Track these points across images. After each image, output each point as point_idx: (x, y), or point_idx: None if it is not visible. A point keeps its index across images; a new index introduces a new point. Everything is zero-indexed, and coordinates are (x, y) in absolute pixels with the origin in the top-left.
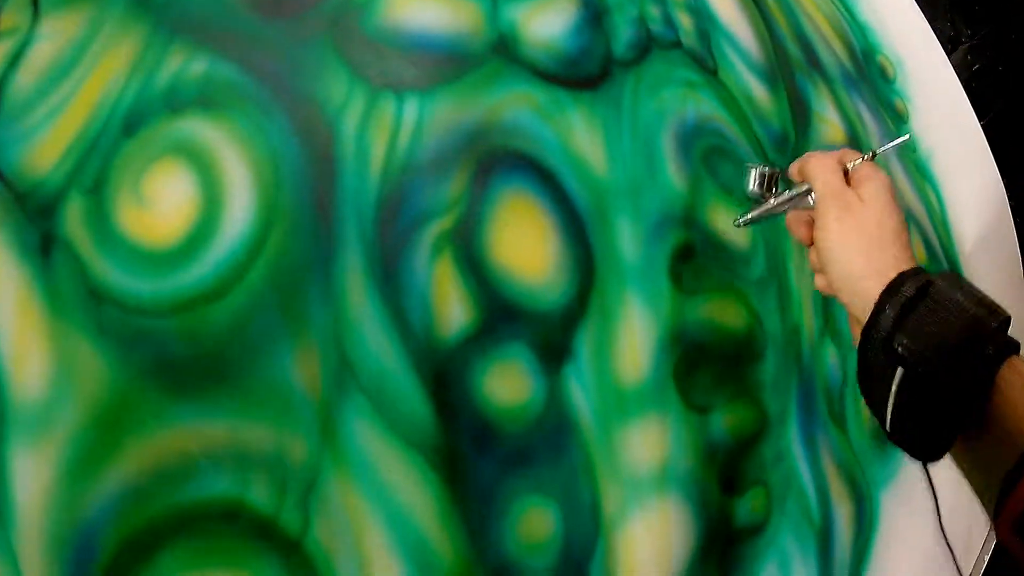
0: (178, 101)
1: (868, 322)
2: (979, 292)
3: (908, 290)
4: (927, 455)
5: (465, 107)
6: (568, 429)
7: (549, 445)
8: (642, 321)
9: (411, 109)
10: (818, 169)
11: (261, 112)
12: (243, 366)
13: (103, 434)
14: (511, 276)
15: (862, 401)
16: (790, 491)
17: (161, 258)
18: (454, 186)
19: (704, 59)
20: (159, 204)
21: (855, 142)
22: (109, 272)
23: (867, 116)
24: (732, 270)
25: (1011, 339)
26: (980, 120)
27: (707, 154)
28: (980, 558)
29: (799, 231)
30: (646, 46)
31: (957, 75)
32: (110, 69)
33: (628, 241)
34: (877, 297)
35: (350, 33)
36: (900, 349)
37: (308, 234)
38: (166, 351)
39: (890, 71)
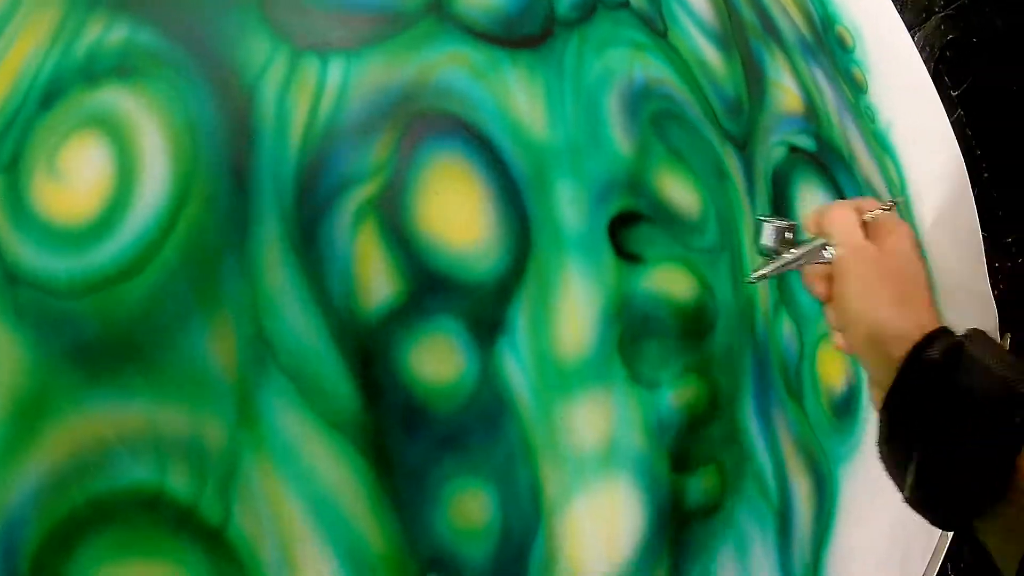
0: (96, 71)
1: (892, 387)
2: (1010, 355)
3: (934, 353)
4: (950, 525)
5: (394, 68)
6: (504, 407)
7: (483, 424)
8: (583, 292)
9: (336, 71)
10: (837, 222)
11: (180, 78)
12: (157, 347)
13: (22, 423)
14: (440, 245)
15: (819, 373)
16: (745, 469)
17: (75, 236)
18: (378, 151)
19: (654, 20)
20: (74, 180)
21: (812, 109)
22: (25, 253)
23: (824, 85)
24: (681, 239)
25: None
26: (954, 91)
27: (656, 118)
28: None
29: (817, 287)
30: (592, 5)
31: (930, 45)
32: (30, 41)
33: (568, 207)
34: (900, 361)
35: None
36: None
37: (224, 206)
38: (81, 334)
39: (849, 41)
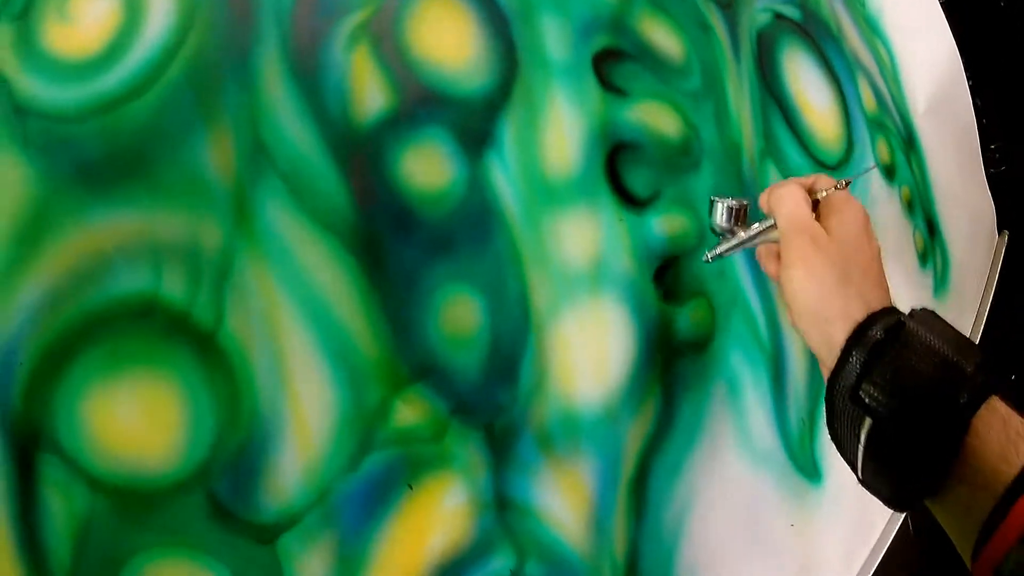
0: None
1: (833, 370)
2: (954, 332)
3: (876, 333)
4: (901, 505)
5: None
6: (492, 215)
7: (472, 231)
8: (568, 114)
9: None
10: (783, 200)
11: None
12: (159, 158)
13: (25, 243)
14: (430, 64)
15: None
16: (736, 309)
17: (83, 68)
18: None
19: None
20: (83, 20)
21: None
22: (34, 87)
23: None
24: (666, 79)
25: (989, 380)
26: None
27: None
28: None
29: (769, 266)
30: None
31: None
32: None
33: (554, 39)
34: (843, 343)
35: None
36: (867, 400)
37: (226, 32)
38: (85, 153)
39: None
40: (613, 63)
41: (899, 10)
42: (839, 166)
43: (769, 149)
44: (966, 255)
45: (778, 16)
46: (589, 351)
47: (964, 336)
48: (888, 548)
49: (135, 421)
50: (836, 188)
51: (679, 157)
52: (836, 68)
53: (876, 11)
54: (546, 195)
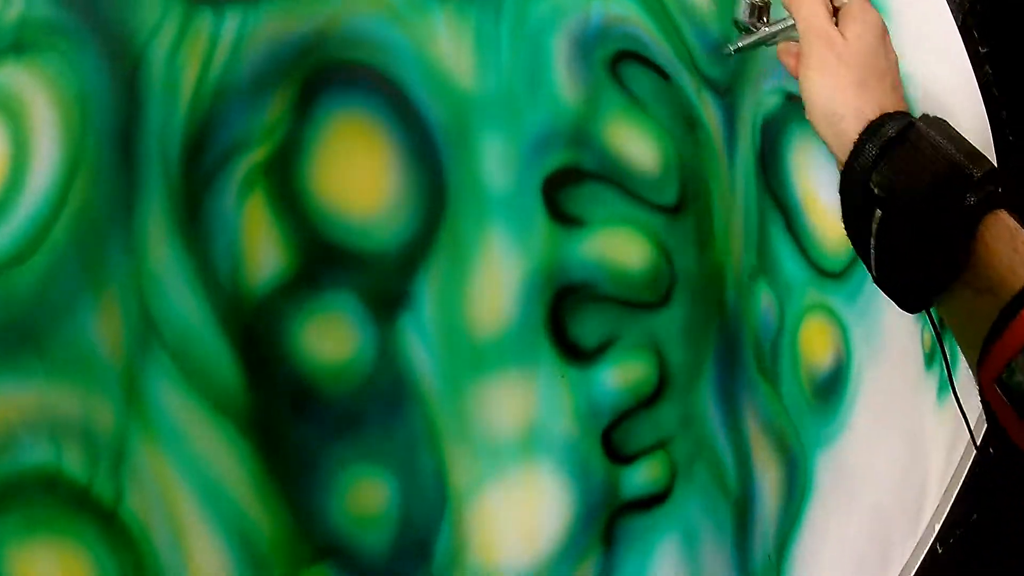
0: None
1: (846, 162)
2: (966, 141)
3: (890, 130)
4: (911, 304)
5: (299, 16)
6: (405, 389)
7: (381, 408)
8: (506, 259)
9: (231, 25)
10: (804, 4)
11: (73, 48)
12: (49, 329)
13: None
14: (335, 213)
15: (801, 349)
16: (700, 457)
17: None
18: (272, 110)
19: None
20: None
21: None
22: None
23: None
24: (635, 196)
25: (997, 191)
26: None
27: (614, 61)
28: None
29: (788, 62)
30: None
31: None
32: None
33: (495, 164)
34: (856, 137)
35: None
36: (877, 190)
37: (111, 180)
38: None
39: None
40: (569, 186)
41: (930, 71)
42: (844, 272)
43: (762, 266)
44: None
45: (790, 96)
46: (516, 520)
47: (974, 146)
48: None
49: None
50: None
51: (643, 293)
52: None
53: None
54: (471, 360)
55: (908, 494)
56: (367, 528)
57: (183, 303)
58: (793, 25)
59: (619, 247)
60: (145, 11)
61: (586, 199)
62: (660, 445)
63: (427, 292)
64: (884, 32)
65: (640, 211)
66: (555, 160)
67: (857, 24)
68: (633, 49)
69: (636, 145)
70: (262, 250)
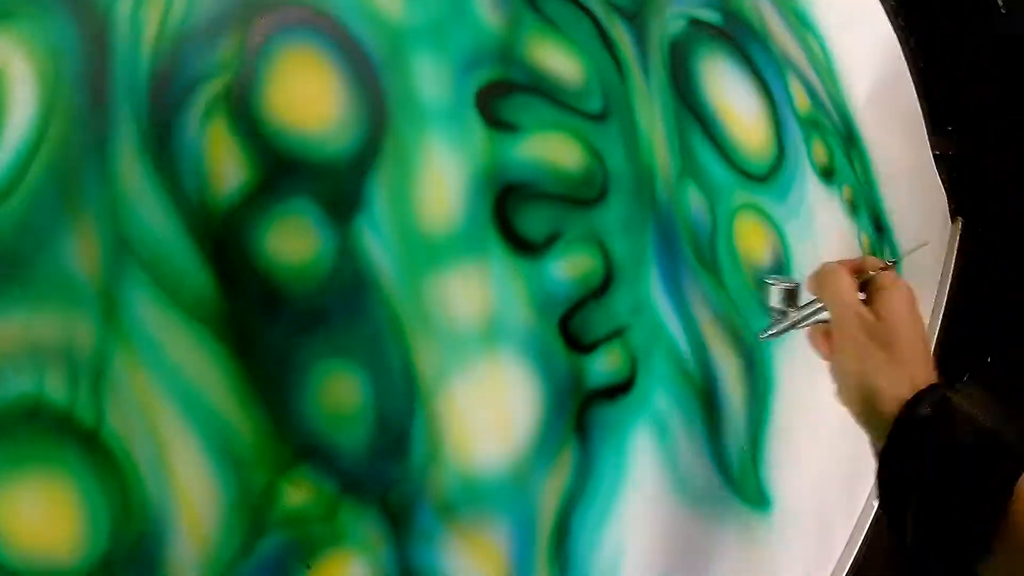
0: None
1: (884, 448)
2: (990, 404)
3: (923, 410)
4: (952, 573)
5: None
6: (365, 284)
7: (345, 303)
8: (448, 162)
9: None
10: (832, 288)
11: (46, 14)
12: (30, 261)
13: None
14: (289, 129)
15: (739, 247)
16: (657, 345)
17: None
18: (226, 47)
19: None
20: None
21: None
22: None
23: None
24: (563, 106)
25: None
26: None
27: None
28: None
29: (821, 346)
30: None
31: None
32: None
33: (429, 82)
34: (891, 422)
35: None
36: (914, 476)
37: (84, 119)
38: None
39: None
40: (501, 97)
41: (830, 4)
42: (769, 174)
43: (688, 168)
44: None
45: (694, 21)
46: (488, 413)
47: (1000, 410)
48: (852, 564)
49: (36, 518)
50: (884, 268)
51: (580, 190)
52: (762, 70)
53: (805, 3)
54: (425, 255)
55: None
56: (343, 427)
57: (155, 221)
58: (823, 307)
59: (553, 149)
60: None
61: (518, 107)
62: (616, 334)
63: (378, 194)
64: (913, 300)
65: (569, 117)
66: (485, 75)
67: (889, 299)
68: None
69: (558, 61)
70: (225, 167)
